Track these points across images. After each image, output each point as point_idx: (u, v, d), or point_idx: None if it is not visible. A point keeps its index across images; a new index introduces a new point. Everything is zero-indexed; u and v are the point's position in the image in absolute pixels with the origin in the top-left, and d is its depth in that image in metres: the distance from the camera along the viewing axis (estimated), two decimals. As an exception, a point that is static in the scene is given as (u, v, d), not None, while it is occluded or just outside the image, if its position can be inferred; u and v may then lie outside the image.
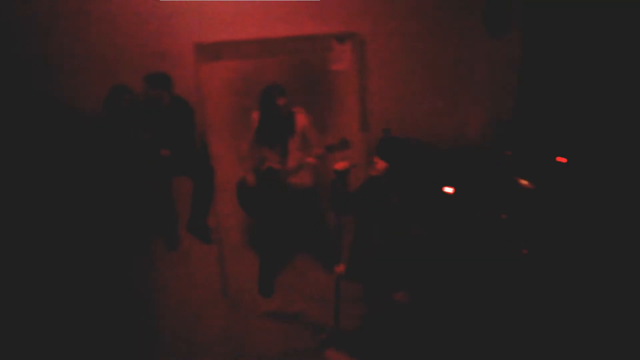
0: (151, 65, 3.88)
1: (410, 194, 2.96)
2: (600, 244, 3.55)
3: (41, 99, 3.73)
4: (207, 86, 4.11)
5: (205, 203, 4.00)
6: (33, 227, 3.64)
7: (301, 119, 3.78)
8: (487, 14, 4.50)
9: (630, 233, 3.50)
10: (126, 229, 3.85)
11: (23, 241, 3.61)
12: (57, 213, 3.69)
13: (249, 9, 4.08)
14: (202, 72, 4.08)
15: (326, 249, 3.87)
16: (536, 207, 3.76)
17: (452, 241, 3.73)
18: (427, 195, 3.81)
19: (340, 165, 3.18)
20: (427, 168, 3.99)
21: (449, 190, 3.93)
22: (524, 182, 3.90)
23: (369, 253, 3.00)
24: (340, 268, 3.24)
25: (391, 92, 4.52)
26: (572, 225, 3.68)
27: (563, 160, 3.98)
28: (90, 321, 3.54)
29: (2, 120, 3.62)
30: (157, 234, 4.04)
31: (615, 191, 3.71)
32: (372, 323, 3.24)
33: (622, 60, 3.86)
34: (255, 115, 3.81)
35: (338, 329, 3.37)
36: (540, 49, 4.49)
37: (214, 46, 4.07)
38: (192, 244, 4.09)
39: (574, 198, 3.77)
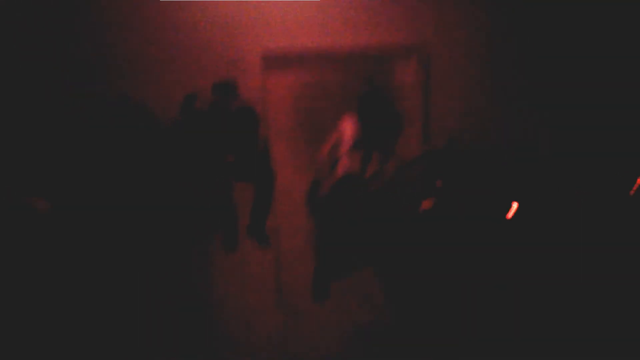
0: (222, 73, 4.02)
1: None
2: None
3: (118, 103, 3.91)
4: (272, 94, 4.21)
5: (265, 207, 4.07)
6: (99, 225, 3.77)
7: None
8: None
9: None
10: (188, 230, 3.96)
11: (90, 237, 3.72)
12: (123, 213, 3.81)
13: (315, 20, 4.15)
14: (268, 80, 4.19)
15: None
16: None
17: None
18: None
19: (427, 205, 3.20)
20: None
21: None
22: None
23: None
24: None
25: (455, 105, 4.47)
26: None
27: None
28: (145, 320, 3.63)
29: (81, 121, 3.80)
30: (217, 236, 4.13)
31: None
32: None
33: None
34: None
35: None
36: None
37: (281, 56, 4.17)
38: (251, 248, 4.17)
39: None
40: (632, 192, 3.60)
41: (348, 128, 3.95)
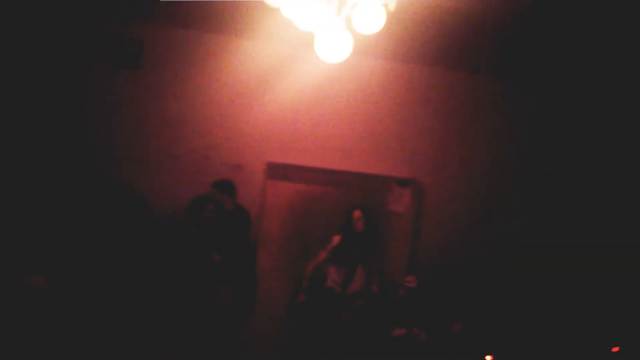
0: (228, 175, 4.21)
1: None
2: None
3: (128, 195, 4.02)
4: (270, 201, 4.34)
5: (242, 312, 3.95)
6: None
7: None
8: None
9: None
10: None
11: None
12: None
13: (320, 142, 4.46)
14: (269, 188, 4.35)
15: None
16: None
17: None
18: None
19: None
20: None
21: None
22: None
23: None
24: None
25: (441, 234, 4.65)
26: None
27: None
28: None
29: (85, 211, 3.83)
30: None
31: None
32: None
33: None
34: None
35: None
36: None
37: (283, 167, 4.38)
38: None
39: None
40: None
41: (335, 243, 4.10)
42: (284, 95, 4.34)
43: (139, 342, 3.48)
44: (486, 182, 4.74)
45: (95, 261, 3.61)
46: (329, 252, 4.13)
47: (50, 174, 3.94)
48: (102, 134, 4.18)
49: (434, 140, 4.67)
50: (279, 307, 4.12)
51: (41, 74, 4.03)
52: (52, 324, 3.22)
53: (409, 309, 3.90)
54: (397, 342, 3.77)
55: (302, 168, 4.39)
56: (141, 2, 3.79)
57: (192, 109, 4.28)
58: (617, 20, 3.19)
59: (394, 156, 4.59)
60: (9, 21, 3.88)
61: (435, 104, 4.68)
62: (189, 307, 3.74)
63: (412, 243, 4.52)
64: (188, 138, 4.30)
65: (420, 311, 3.92)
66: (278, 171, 4.37)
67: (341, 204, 4.40)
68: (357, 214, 4.13)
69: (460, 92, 4.72)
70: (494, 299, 4.22)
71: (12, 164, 3.87)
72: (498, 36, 3.71)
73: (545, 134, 4.82)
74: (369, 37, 2.48)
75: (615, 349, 3.78)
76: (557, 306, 4.17)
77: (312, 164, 4.41)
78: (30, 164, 3.93)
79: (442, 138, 4.69)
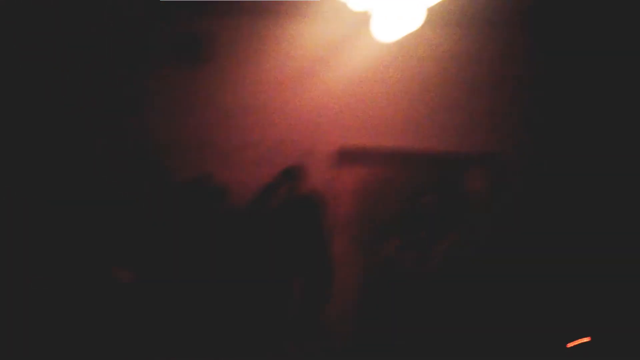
0: (299, 160, 4.18)
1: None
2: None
3: (194, 186, 4.09)
4: (342, 186, 4.26)
5: (319, 302, 3.93)
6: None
7: None
8: None
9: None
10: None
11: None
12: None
13: (390, 120, 4.28)
14: (340, 172, 4.26)
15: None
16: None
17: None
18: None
19: None
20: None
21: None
22: None
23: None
24: None
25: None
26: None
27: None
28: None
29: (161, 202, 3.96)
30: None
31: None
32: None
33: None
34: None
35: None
36: None
37: (354, 150, 4.26)
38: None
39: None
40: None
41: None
42: (349, 75, 4.22)
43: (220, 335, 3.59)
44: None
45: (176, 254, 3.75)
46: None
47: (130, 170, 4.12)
48: (173, 128, 4.31)
49: (515, 112, 4.34)
50: (355, 292, 4.05)
51: (115, 71, 4.23)
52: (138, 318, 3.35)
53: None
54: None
55: (374, 149, 4.25)
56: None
57: (260, 97, 4.29)
58: None
59: (471, 131, 4.30)
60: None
61: (515, 71, 4.33)
62: (264, 296, 3.80)
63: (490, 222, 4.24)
64: (257, 127, 4.32)
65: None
66: (349, 154, 4.27)
67: (416, 186, 4.22)
68: (427, 198, 3.91)
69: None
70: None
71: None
72: None
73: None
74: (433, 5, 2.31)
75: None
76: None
77: (384, 144, 4.26)
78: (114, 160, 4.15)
79: (526, 110, 4.35)
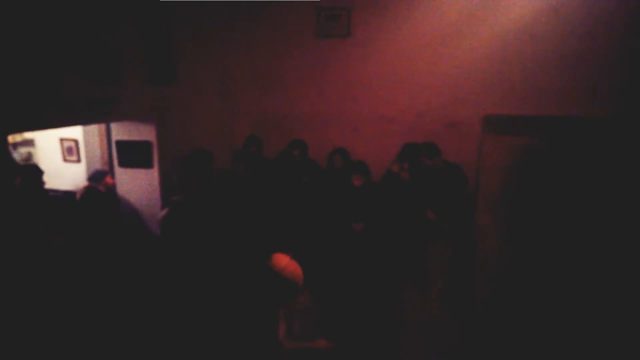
0: (442, 132, 4.12)
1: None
2: None
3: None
4: (488, 158, 4.05)
5: (460, 274, 3.84)
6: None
7: None
8: None
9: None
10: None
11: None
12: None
13: (539, 87, 3.93)
14: (486, 143, 4.05)
15: None
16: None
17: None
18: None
19: None
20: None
21: None
22: None
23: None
24: None
25: None
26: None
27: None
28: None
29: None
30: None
31: None
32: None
33: None
34: None
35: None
36: None
37: (500, 119, 4.01)
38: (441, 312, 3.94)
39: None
40: None
41: None
42: (493, 41, 3.96)
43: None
44: None
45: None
46: None
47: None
48: (315, 102, 4.51)
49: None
50: (501, 267, 3.84)
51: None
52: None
53: None
54: None
55: (521, 118, 3.94)
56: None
57: (399, 70, 4.27)
58: None
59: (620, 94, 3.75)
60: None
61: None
62: (402, 262, 3.81)
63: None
64: (399, 100, 4.32)
65: None
66: (495, 124, 4.02)
67: (568, 157, 3.82)
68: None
69: None
70: None
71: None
72: None
73: None
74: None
75: None
76: None
77: (532, 112, 3.92)
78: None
79: None
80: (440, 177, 3.91)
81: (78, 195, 3.76)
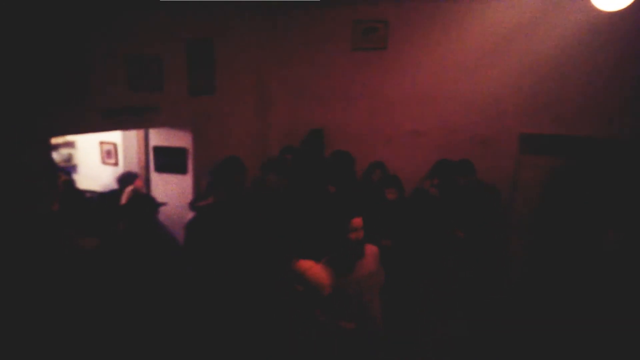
0: (475, 149, 4.09)
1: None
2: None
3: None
4: (523, 178, 4.01)
5: (484, 295, 3.77)
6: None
7: None
8: None
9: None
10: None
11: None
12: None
13: (582, 106, 3.85)
14: (521, 162, 4.02)
15: None
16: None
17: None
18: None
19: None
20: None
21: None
22: None
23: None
24: None
25: None
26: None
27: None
28: None
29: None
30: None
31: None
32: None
33: None
34: None
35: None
36: None
37: (537, 138, 3.97)
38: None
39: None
40: None
41: None
42: (533, 56, 3.88)
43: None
44: None
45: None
46: None
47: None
48: (348, 114, 4.54)
49: None
50: (529, 292, 3.77)
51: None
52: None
53: None
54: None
55: (559, 138, 3.87)
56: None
57: (434, 85, 4.25)
58: None
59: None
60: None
61: None
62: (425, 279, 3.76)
63: None
64: (432, 115, 4.30)
65: None
66: (531, 143, 3.98)
67: (604, 178, 3.74)
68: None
69: None
70: None
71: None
72: None
73: None
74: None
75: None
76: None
77: (571, 132, 3.84)
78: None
79: None
80: (473, 196, 3.86)
81: (125, 198, 3.84)
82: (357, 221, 2.42)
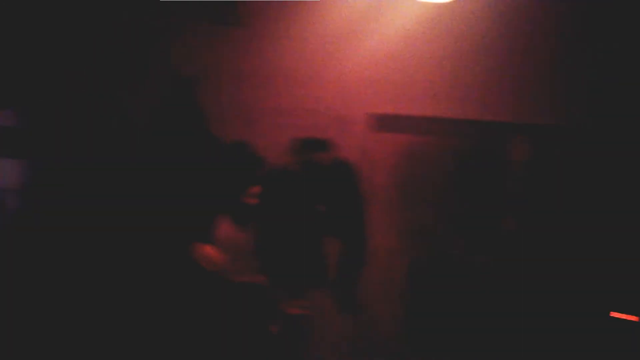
0: (326, 127, 4.14)
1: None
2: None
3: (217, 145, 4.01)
4: (373, 155, 4.19)
5: (355, 270, 3.89)
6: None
7: None
8: None
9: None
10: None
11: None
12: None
13: (428, 88, 4.17)
14: (369, 140, 4.19)
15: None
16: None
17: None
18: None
19: None
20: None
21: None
22: None
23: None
24: None
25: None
26: None
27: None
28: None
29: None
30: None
31: None
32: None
33: None
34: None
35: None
36: None
37: (387, 118, 4.18)
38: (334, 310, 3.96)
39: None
40: None
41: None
42: (383, 40, 4.08)
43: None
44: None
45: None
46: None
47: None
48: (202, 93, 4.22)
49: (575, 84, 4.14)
50: (393, 260, 4.01)
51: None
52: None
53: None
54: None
55: (409, 117, 4.15)
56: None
57: (291, 64, 4.22)
58: None
59: (516, 100, 4.13)
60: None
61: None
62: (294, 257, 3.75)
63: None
64: (288, 94, 4.26)
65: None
66: (382, 122, 4.19)
67: (448, 155, 4.15)
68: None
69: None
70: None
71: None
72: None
73: None
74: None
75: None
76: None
77: (420, 112, 4.15)
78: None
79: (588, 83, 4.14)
80: (331, 173, 3.91)
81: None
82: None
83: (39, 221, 3.27)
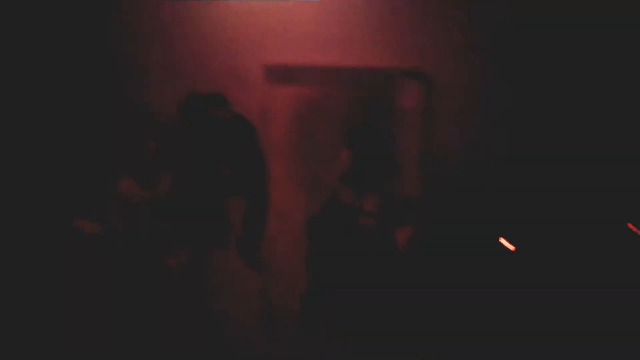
0: (223, 81, 3.99)
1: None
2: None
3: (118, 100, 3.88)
4: (272, 108, 4.11)
5: (258, 227, 3.87)
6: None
7: None
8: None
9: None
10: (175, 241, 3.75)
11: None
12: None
13: (318, 35, 4.11)
14: (268, 93, 4.09)
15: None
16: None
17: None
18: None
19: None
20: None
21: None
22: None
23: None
24: None
25: (452, 132, 4.37)
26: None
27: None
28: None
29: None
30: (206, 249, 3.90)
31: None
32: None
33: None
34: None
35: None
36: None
37: (282, 69, 4.09)
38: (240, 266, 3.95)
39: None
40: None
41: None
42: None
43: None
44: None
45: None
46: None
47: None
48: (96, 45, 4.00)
49: (442, 26, 4.25)
50: (295, 213, 4.02)
51: None
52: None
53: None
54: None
55: (302, 68, 4.09)
56: None
57: (182, 15, 3.98)
58: None
59: (402, 46, 4.18)
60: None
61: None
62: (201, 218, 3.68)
63: (421, 138, 4.31)
64: (180, 45, 4.04)
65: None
66: (276, 73, 4.09)
67: (345, 104, 4.17)
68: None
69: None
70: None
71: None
72: None
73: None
74: None
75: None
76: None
77: (312, 62, 4.10)
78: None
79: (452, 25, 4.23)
80: (229, 129, 3.79)
81: None
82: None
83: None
